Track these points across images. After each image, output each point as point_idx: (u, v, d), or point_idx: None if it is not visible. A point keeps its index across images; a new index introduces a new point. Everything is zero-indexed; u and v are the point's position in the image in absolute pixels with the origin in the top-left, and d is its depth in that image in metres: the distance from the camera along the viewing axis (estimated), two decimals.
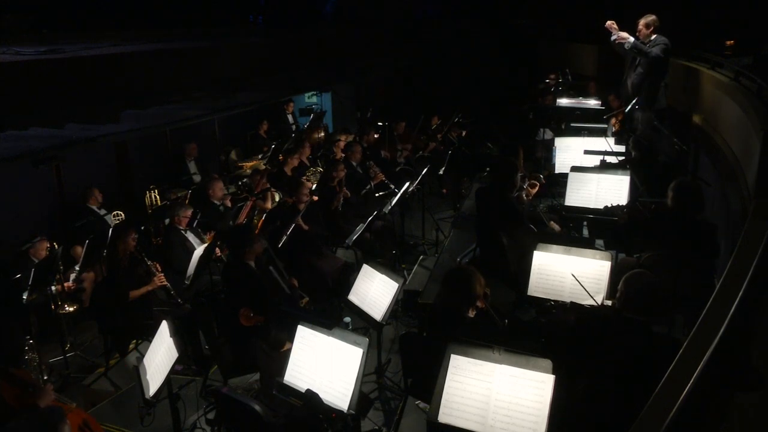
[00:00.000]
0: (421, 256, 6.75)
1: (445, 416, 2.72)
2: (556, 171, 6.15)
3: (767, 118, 4.13)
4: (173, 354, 3.56)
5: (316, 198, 6.41)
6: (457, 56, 12.13)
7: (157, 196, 7.17)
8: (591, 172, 5.00)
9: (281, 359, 3.45)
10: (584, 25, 11.16)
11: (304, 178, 6.92)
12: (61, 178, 6.47)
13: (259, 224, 6.32)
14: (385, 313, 4.10)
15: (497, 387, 2.69)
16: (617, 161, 5.73)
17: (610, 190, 4.79)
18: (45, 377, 4.70)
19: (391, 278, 4.17)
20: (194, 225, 5.94)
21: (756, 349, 2.41)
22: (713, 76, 6.16)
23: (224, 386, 4.13)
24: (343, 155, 7.82)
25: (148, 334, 4.61)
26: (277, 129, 10.55)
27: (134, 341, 5.22)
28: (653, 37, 6.18)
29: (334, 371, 3.17)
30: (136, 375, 3.70)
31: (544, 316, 3.86)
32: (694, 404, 1.91)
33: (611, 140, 6.23)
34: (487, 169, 7.73)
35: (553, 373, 2.62)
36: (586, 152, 5.87)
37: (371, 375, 4.45)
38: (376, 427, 4.04)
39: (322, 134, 10.40)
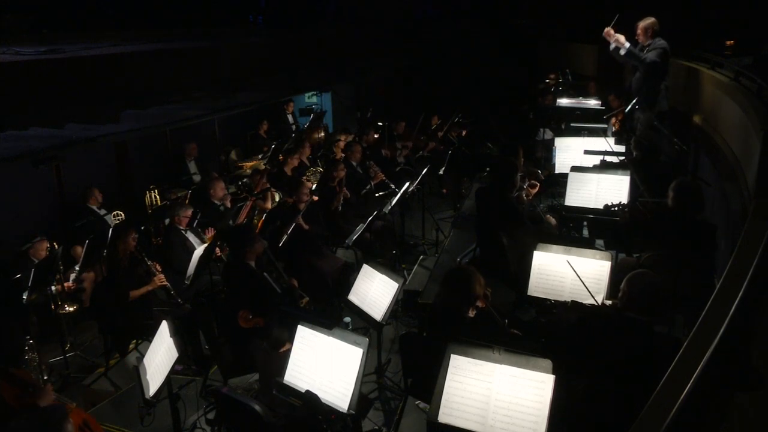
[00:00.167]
0: (421, 256, 6.75)
1: (445, 416, 2.72)
2: (556, 171, 6.15)
3: (767, 118, 4.13)
4: (173, 354, 3.56)
5: (316, 198, 6.41)
6: (457, 56, 12.13)
7: (157, 196, 7.17)
8: (591, 172, 5.00)
9: (281, 359, 3.45)
10: (584, 25, 11.15)
11: (304, 178, 6.92)
12: (61, 178, 6.47)
13: (259, 224, 6.32)
14: (385, 313, 4.10)
15: (497, 387, 2.69)
16: (618, 161, 5.73)
17: (610, 190, 4.79)
18: (45, 377, 4.70)
19: (391, 278, 4.17)
20: (194, 225, 5.95)
21: (756, 349, 2.40)
22: (713, 76, 6.16)
23: (224, 386, 4.14)
24: (343, 155, 7.82)
25: (148, 334, 4.61)
26: (277, 129, 10.55)
27: (134, 341, 5.22)
28: (651, 41, 6.13)
29: (334, 371, 3.17)
30: (136, 375, 3.70)
31: (544, 316, 3.86)
32: (694, 404, 1.91)
33: (611, 140, 6.23)
34: (487, 169, 7.73)
35: (553, 373, 2.62)
36: (586, 152, 5.87)
37: (371, 375, 4.45)
38: (376, 427, 4.04)
39: (322, 134, 10.40)
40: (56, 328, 5.18)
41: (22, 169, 5.65)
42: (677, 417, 1.82)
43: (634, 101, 6.35)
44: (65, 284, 5.35)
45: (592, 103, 8.30)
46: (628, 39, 6.22)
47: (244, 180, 7.78)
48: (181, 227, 5.80)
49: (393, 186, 7.22)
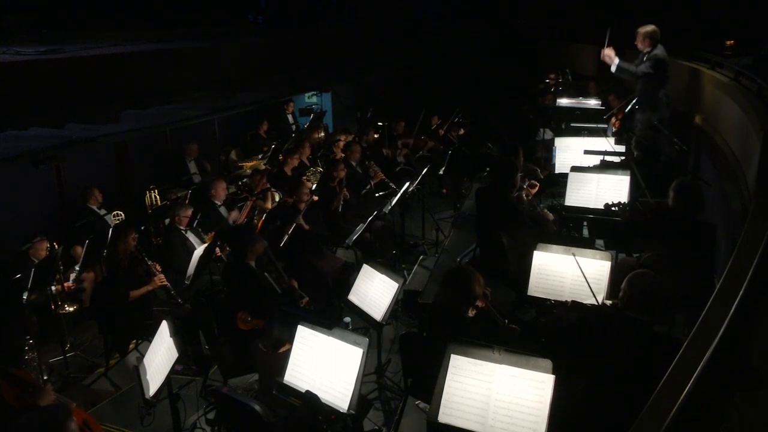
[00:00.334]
0: (421, 256, 6.75)
1: (445, 416, 2.72)
2: (556, 171, 6.14)
3: (767, 118, 4.13)
4: (173, 354, 3.56)
5: (316, 198, 6.41)
6: (457, 56, 12.13)
7: (157, 196, 7.17)
8: (591, 172, 5.00)
9: (281, 359, 3.45)
10: (584, 25, 11.16)
11: (304, 178, 6.92)
12: (61, 178, 6.48)
13: (259, 224, 6.32)
14: (385, 313, 4.11)
15: (497, 387, 2.69)
16: (619, 161, 5.73)
17: (610, 190, 4.79)
18: (45, 377, 4.70)
19: (391, 278, 4.18)
20: (194, 225, 5.94)
21: (756, 349, 2.40)
22: (713, 76, 6.15)
23: (224, 386, 4.14)
24: (343, 155, 7.82)
25: (148, 334, 4.61)
26: (277, 129, 10.55)
27: (134, 341, 5.22)
28: (650, 49, 6.05)
29: (334, 371, 3.17)
30: (136, 375, 3.70)
31: (544, 316, 3.86)
32: (694, 404, 1.91)
33: (611, 140, 6.23)
34: (487, 169, 7.73)
35: (553, 373, 2.62)
36: (586, 152, 5.87)
37: (371, 375, 4.45)
38: (376, 427, 4.04)
39: (322, 134, 10.40)
40: (56, 328, 5.18)
41: (22, 169, 5.65)
42: (677, 417, 1.82)
43: (633, 101, 6.35)
44: (65, 284, 5.35)
45: (592, 103, 8.29)
46: (628, 45, 6.19)
47: (244, 180, 7.78)
48: (181, 227, 5.81)
49: (393, 185, 7.22)
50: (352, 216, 6.57)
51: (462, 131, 9.98)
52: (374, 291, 4.27)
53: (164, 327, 3.70)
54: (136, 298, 5.01)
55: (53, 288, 5.20)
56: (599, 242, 4.75)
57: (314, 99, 12.14)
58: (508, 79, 12.29)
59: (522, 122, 9.44)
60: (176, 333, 3.64)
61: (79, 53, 5.14)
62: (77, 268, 5.65)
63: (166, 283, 5.13)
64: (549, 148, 6.96)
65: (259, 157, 9.14)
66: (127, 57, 5.37)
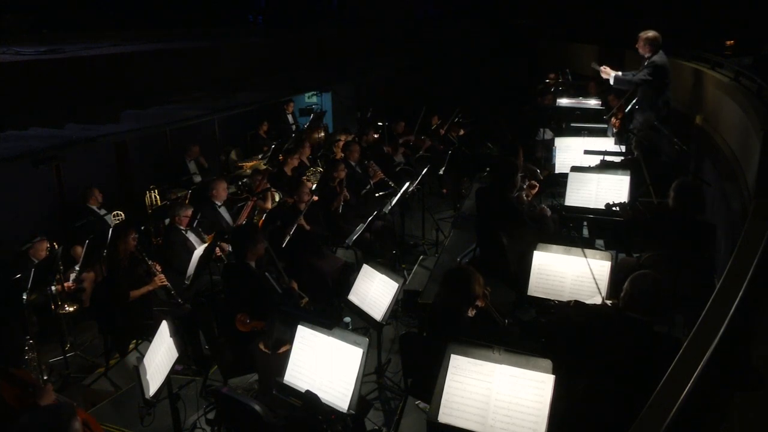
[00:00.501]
0: (421, 256, 6.75)
1: (445, 416, 2.72)
2: (556, 171, 6.14)
3: (767, 118, 4.13)
4: (173, 354, 3.56)
5: (316, 198, 6.42)
6: (457, 56, 12.13)
7: (157, 196, 7.17)
8: (591, 172, 5.00)
9: (281, 359, 3.45)
10: (584, 25, 11.16)
11: (304, 178, 6.92)
12: (61, 178, 6.48)
13: (259, 224, 6.32)
14: (385, 313, 4.10)
15: (497, 387, 2.69)
16: (620, 161, 5.73)
17: (611, 190, 4.79)
18: (45, 377, 4.71)
19: (391, 278, 4.17)
20: (194, 225, 5.94)
21: (756, 349, 2.40)
22: (713, 76, 6.16)
23: (224, 386, 4.13)
24: (343, 155, 7.82)
25: (148, 334, 4.60)
26: (277, 129, 10.55)
27: (134, 341, 5.22)
28: (651, 54, 6.03)
29: (334, 371, 3.17)
30: (136, 375, 3.70)
31: (544, 316, 3.86)
32: (694, 404, 1.91)
33: (611, 140, 6.23)
34: (487, 169, 7.73)
35: (553, 373, 2.62)
36: (586, 152, 5.87)
37: (371, 375, 4.45)
38: (376, 427, 4.04)
39: (322, 134, 10.40)
40: (56, 328, 5.18)
41: (22, 169, 5.65)
42: (677, 417, 1.82)
43: (633, 101, 6.35)
44: (65, 284, 5.35)
45: (592, 103, 8.29)
46: (628, 45, 6.18)
47: (244, 180, 7.78)
48: (182, 227, 5.80)
49: (392, 184, 7.22)
50: (352, 216, 6.56)
51: (462, 131, 9.98)
52: (374, 291, 4.27)
53: (164, 327, 3.69)
54: (136, 298, 5.00)
55: (53, 288, 5.20)
56: (599, 242, 4.75)
57: (314, 99, 12.14)
58: (508, 79, 12.29)
59: (522, 122, 9.44)
60: (176, 333, 3.64)
61: (79, 53, 5.14)
62: (77, 268, 5.65)
63: (166, 283, 5.12)
64: (549, 148, 6.96)
65: (259, 157, 9.14)
66: (127, 57, 5.37)
